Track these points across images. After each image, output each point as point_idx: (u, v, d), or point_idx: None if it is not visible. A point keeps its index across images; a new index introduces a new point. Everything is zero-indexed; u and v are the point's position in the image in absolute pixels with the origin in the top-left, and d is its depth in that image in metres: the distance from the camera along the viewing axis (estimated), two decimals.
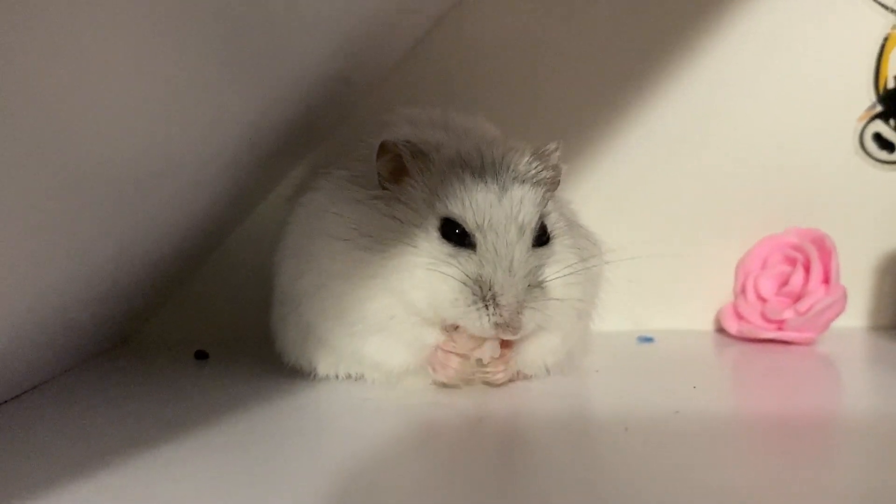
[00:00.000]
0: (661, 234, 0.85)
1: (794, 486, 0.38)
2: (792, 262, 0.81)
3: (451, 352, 0.54)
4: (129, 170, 0.47)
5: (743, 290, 0.83)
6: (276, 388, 0.59)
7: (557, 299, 0.53)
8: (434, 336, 0.54)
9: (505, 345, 0.55)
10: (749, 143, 0.84)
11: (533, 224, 0.53)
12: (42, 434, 0.48)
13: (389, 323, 0.53)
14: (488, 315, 0.50)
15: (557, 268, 0.54)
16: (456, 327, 0.53)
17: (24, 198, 0.38)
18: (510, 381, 0.58)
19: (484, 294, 0.50)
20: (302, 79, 0.56)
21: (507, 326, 0.50)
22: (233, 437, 0.47)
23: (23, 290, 0.46)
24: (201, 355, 0.71)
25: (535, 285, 0.52)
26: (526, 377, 0.60)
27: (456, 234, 0.52)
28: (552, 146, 0.57)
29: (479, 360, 0.54)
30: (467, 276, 0.51)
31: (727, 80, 0.83)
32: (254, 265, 0.77)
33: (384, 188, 0.55)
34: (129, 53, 0.37)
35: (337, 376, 0.61)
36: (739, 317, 0.82)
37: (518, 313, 0.50)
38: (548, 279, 0.53)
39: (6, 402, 0.55)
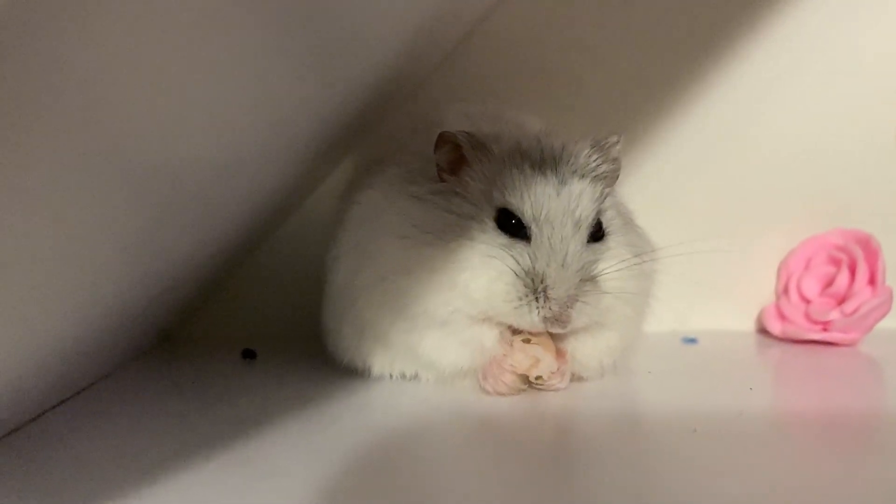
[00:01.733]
0: (703, 233, 0.84)
1: (851, 487, 0.38)
2: (836, 262, 0.80)
3: (506, 368, 0.54)
4: (192, 166, 0.46)
5: (786, 291, 0.82)
6: (329, 387, 0.58)
7: (610, 293, 0.52)
8: (491, 339, 0.53)
9: (560, 356, 0.54)
10: (791, 142, 0.84)
11: (590, 219, 0.53)
12: (95, 437, 0.48)
13: (450, 317, 0.52)
14: (538, 308, 0.50)
15: (611, 263, 0.53)
16: (512, 331, 0.53)
17: (85, 196, 0.37)
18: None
19: (535, 287, 0.50)
20: (371, 73, 0.56)
21: (556, 320, 0.50)
22: (284, 436, 0.46)
23: (79, 288, 0.46)
24: (249, 354, 0.70)
25: (588, 279, 0.51)
26: (580, 379, 0.59)
27: (512, 225, 0.52)
28: (613, 138, 0.56)
29: (536, 360, 0.54)
30: (521, 268, 0.50)
31: (770, 80, 0.82)
32: (299, 262, 0.77)
33: (442, 180, 0.55)
34: (213, 54, 0.37)
35: (391, 375, 0.60)
36: (783, 317, 0.81)
37: (568, 307, 0.50)
38: (601, 273, 0.53)
39: (54, 407, 0.54)
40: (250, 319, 0.81)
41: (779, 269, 0.84)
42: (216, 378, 0.64)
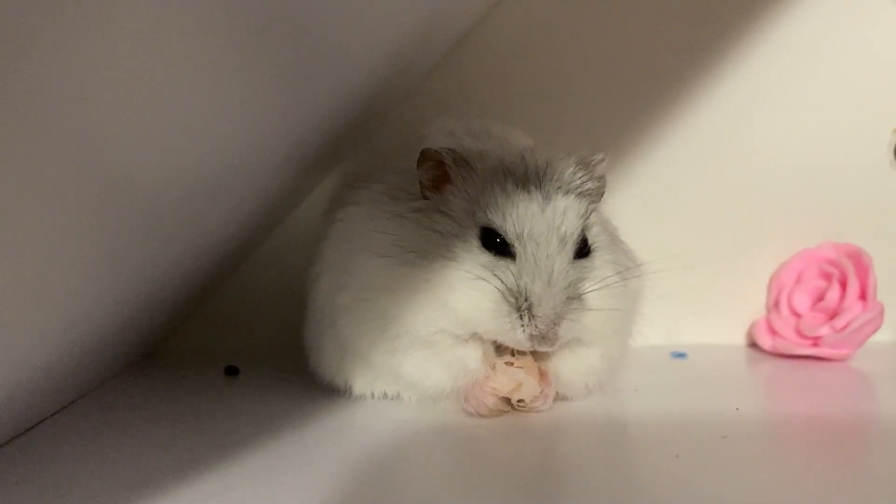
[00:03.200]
0: (692, 247, 0.83)
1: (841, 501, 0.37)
2: (827, 276, 0.80)
3: (488, 391, 0.53)
4: (172, 178, 0.46)
5: (776, 305, 0.82)
6: (310, 406, 0.58)
7: (596, 310, 0.52)
8: (475, 360, 0.52)
9: (543, 378, 0.54)
10: (782, 155, 0.83)
11: (575, 236, 0.52)
12: (75, 454, 0.47)
13: (432, 338, 0.52)
14: (523, 326, 0.49)
15: (597, 281, 0.53)
16: (496, 351, 0.52)
17: (56, 205, 0.37)
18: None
19: (520, 305, 0.49)
20: (354, 89, 0.55)
21: (543, 339, 0.49)
22: (265, 456, 0.46)
23: (55, 303, 0.45)
24: (231, 371, 0.69)
25: (574, 297, 0.51)
26: (565, 398, 0.58)
27: (496, 244, 0.51)
28: (598, 156, 0.55)
29: (519, 383, 0.53)
30: (505, 286, 0.50)
31: (760, 92, 0.82)
32: (282, 278, 0.76)
33: (425, 197, 0.54)
34: (194, 68, 0.36)
35: (373, 395, 0.60)
36: (773, 332, 0.81)
37: (555, 325, 0.49)
38: (587, 291, 0.52)
39: (37, 424, 0.53)
40: (233, 336, 0.80)
41: (769, 283, 0.84)
42: (198, 395, 0.63)
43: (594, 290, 0.52)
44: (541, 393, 0.53)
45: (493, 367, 0.53)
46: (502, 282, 0.50)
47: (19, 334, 0.41)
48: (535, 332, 0.49)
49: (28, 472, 0.44)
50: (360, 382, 0.59)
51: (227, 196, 0.56)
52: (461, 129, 0.61)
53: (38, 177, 0.33)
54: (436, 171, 0.54)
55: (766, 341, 0.81)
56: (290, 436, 0.50)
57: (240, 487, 0.41)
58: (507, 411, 0.55)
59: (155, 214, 0.48)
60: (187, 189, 0.49)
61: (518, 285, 0.49)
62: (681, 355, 0.78)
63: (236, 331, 0.80)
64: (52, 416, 0.56)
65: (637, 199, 0.82)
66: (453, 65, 0.79)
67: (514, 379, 0.52)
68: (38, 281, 0.40)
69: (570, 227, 0.52)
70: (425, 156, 0.53)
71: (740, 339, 0.86)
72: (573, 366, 0.54)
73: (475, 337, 0.52)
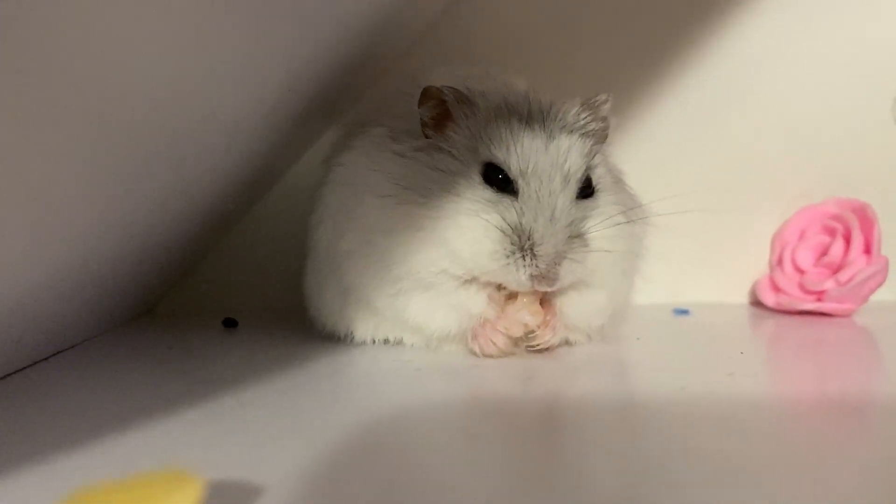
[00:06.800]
0: (696, 204, 0.82)
1: (844, 457, 0.36)
2: (831, 232, 0.79)
3: (499, 331, 0.53)
4: (160, 119, 0.45)
5: (780, 262, 0.81)
6: (310, 352, 0.57)
7: (599, 251, 0.51)
8: (479, 305, 0.52)
9: (548, 309, 0.53)
10: (786, 112, 0.82)
11: (579, 175, 0.51)
12: (69, 395, 0.47)
13: (434, 279, 0.51)
14: (525, 266, 0.49)
15: (599, 220, 0.52)
16: (503, 292, 0.52)
17: (50, 144, 0.36)
18: (554, 347, 0.56)
19: (522, 244, 0.49)
20: (343, 29, 0.54)
21: (544, 278, 0.49)
22: (264, 398, 0.45)
23: (47, 246, 0.44)
24: (230, 323, 0.69)
25: (576, 236, 0.50)
26: (569, 343, 0.58)
27: (498, 180, 0.50)
28: (602, 97, 0.55)
29: (527, 326, 0.53)
30: (507, 224, 0.49)
31: (765, 48, 0.81)
32: (282, 233, 0.75)
33: (426, 136, 0.53)
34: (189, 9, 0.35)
35: (374, 341, 0.59)
36: (777, 289, 0.80)
37: (556, 264, 0.49)
38: (590, 231, 0.51)
39: (32, 364, 0.53)
40: (231, 293, 0.79)
41: (772, 241, 0.83)
42: (197, 344, 0.62)
43: (597, 229, 0.51)
44: (547, 323, 0.53)
45: (503, 308, 0.52)
46: (504, 219, 0.49)
47: (24, 270, 0.41)
48: (536, 271, 0.49)
49: (36, 400, 0.44)
50: (363, 328, 0.58)
51: (230, 138, 0.55)
52: (463, 74, 0.61)
53: (29, 117, 0.32)
54: (437, 110, 0.53)
55: (769, 298, 0.80)
56: (290, 377, 0.49)
57: (241, 429, 0.39)
58: (514, 353, 0.54)
59: (149, 159, 0.48)
60: (186, 126, 0.48)
61: (521, 223, 0.49)
62: (684, 312, 0.78)
63: (234, 288, 0.79)
64: (43, 359, 0.55)
65: (639, 156, 0.81)
66: (454, 16, 0.78)
67: (522, 320, 0.52)
68: (33, 226, 0.39)
69: (574, 166, 0.51)
70: (427, 94, 0.52)
71: (743, 298, 0.85)
72: (576, 305, 0.54)
73: (477, 280, 0.52)
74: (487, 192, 0.50)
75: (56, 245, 0.45)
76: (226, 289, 0.79)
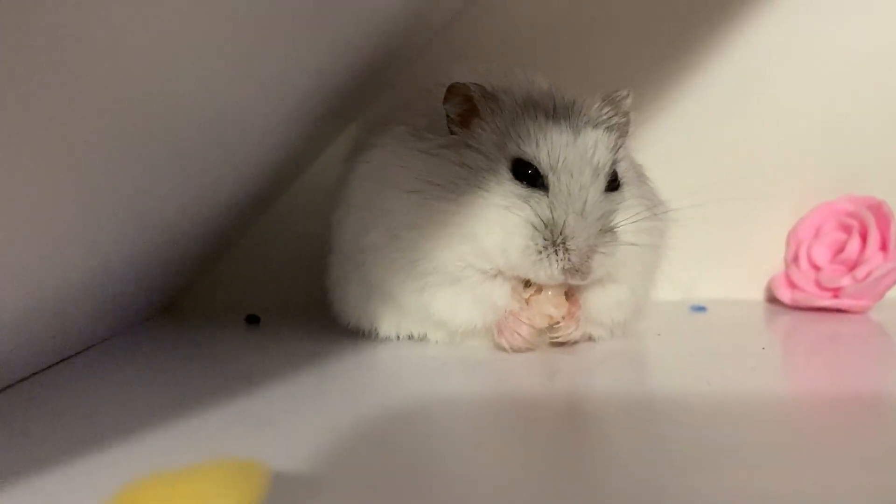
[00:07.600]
0: (711, 202, 0.83)
1: (860, 452, 0.36)
2: (847, 229, 0.79)
3: (524, 322, 0.53)
4: (185, 118, 0.45)
5: (795, 259, 0.81)
6: (334, 348, 0.57)
7: (629, 244, 0.52)
8: (504, 298, 0.52)
9: (573, 302, 0.53)
10: (801, 109, 0.82)
11: (607, 168, 0.52)
12: (100, 391, 0.47)
13: (461, 273, 0.51)
14: (557, 261, 0.49)
15: (628, 214, 0.52)
16: (529, 287, 0.52)
17: (71, 140, 0.36)
18: (577, 341, 0.57)
19: (554, 239, 0.49)
20: (373, 33, 0.55)
21: (577, 272, 0.49)
22: (290, 394, 0.44)
23: (68, 246, 0.44)
24: (253, 319, 0.69)
25: (607, 230, 0.51)
26: (591, 339, 0.58)
27: (528, 175, 0.51)
28: (623, 92, 0.55)
29: (551, 317, 0.53)
30: (540, 219, 0.49)
31: (781, 44, 0.81)
32: (302, 229, 0.76)
33: (452, 133, 0.54)
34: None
35: (398, 337, 0.59)
36: (793, 285, 0.80)
37: (588, 258, 0.49)
38: (620, 224, 0.52)
39: (53, 365, 0.53)
40: (253, 289, 0.80)
41: (788, 238, 0.84)
42: (220, 340, 0.63)
43: (628, 223, 0.52)
44: (571, 315, 0.53)
45: (527, 300, 0.52)
46: (536, 213, 0.49)
47: (44, 270, 0.41)
48: (569, 265, 0.49)
49: (56, 400, 0.44)
50: (387, 323, 0.59)
51: (244, 142, 0.55)
52: (484, 70, 0.61)
53: (48, 115, 0.32)
54: (463, 106, 0.53)
55: (785, 295, 0.80)
56: (314, 372, 0.50)
57: (266, 423, 0.39)
58: (538, 346, 0.55)
59: (169, 157, 0.48)
60: (203, 129, 0.48)
61: (553, 218, 0.49)
62: (700, 309, 0.78)
63: (256, 284, 0.79)
64: (69, 357, 0.55)
65: (655, 152, 0.81)
66: (474, 14, 0.78)
67: (547, 312, 0.52)
68: (55, 225, 0.39)
69: (603, 159, 0.52)
70: (453, 90, 0.53)
71: (759, 295, 0.86)
72: (602, 301, 0.54)
73: (502, 273, 0.52)
74: (517, 187, 0.51)
75: (81, 246, 0.46)
76: (246, 286, 0.80)
